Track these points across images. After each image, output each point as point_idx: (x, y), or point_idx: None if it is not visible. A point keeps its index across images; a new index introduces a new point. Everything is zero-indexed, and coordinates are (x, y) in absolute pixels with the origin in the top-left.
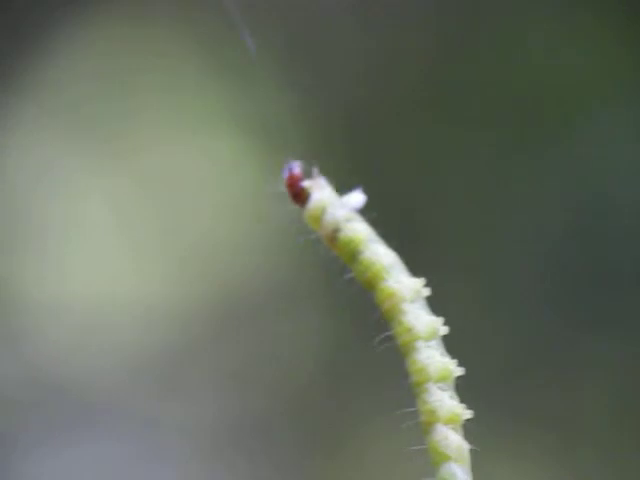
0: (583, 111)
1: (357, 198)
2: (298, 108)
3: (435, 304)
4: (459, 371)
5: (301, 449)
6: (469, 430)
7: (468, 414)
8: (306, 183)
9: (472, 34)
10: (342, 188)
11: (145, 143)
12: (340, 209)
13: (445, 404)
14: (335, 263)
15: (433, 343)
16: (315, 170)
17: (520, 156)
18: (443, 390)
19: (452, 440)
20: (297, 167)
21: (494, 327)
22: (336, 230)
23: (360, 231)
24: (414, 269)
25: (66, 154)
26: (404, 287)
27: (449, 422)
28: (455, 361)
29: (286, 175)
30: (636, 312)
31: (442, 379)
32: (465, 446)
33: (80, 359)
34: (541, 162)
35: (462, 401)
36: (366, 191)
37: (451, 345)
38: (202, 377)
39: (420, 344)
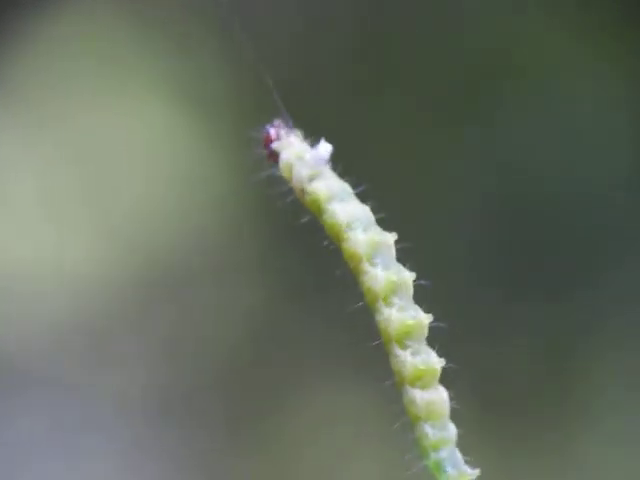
0: (503, 90)
1: (323, 149)
2: (233, 76)
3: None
4: (424, 320)
5: (229, 417)
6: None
7: (438, 364)
8: (275, 143)
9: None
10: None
11: (74, 110)
12: (304, 168)
13: (407, 364)
14: (267, 234)
15: (395, 299)
16: (286, 126)
17: (440, 135)
18: (407, 348)
19: (419, 399)
20: (272, 127)
21: (420, 301)
22: (302, 190)
23: (320, 190)
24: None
25: None
26: (360, 246)
27: (415, 380)
28: (420, 312)
29: (262, 136)
30: (558, 280)
31: (404, 336)
32: (437, 401)
33: (6, 327)
34: (461, 143)
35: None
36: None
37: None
38: (131, 345)
39: (379, 304)
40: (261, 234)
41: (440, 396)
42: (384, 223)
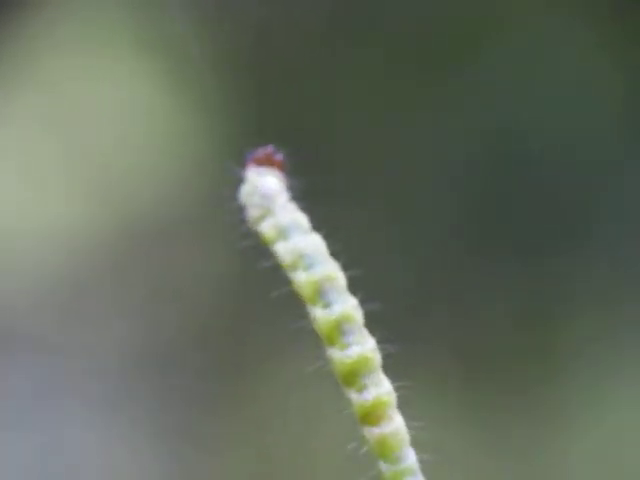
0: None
1: (271, 184)
2: (206, 33)
3: (339, 233)
4: (367, 354)
5: (206, 377)
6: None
7: (388, 395)
8: (248, 170)
9: None
10: (248, 111)
11: (46, 70)
12: (254, 208)
13: (353, 403)
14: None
15: (341, 338)
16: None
17: (424, 84)
18: (352, 386)
19: (369, 437)
20: (256, 155)
21: (399, 255)
22: (261, 217)
23: (265, 232)
24: (318, 199)
25: None
26: (302, 288)
27: (365, 418)
28: (367, 344)
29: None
30: (539, 242)
31: (348, 376)
32: (389, 436)
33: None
34: (444, 89)
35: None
36: (270, 118)
37: (355, 271)
38: (107, 304)
39: (327, 345)
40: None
41: (393, 428)
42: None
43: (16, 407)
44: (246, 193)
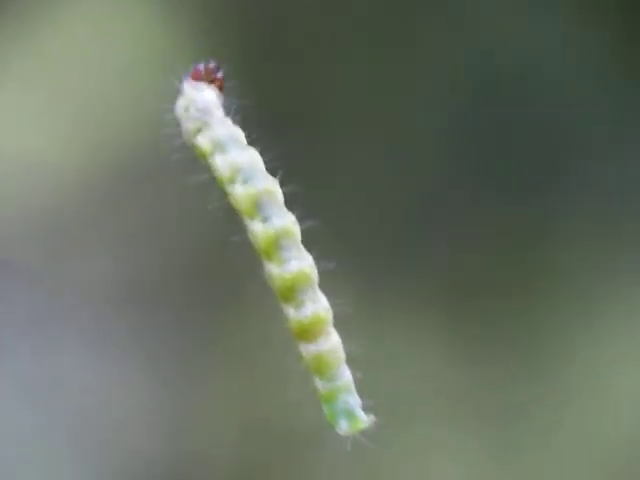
0: None
1: (208, 96)
2: None
3: (336, 171)
4: (305, 270)
5: (193, 307)
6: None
7: (325, 312)
8: (185, 84)
9: None
10: (235, 49)
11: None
12: (190, 121)
13: (290, 319)
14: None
15: (278, 252)
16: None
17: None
18: (290, 302)
19: (305, 353)
20: (199, 68)
21: (387, 188)
22: (191, 146)
23: (202, 144)
24: (318, 133)
25: None
26: (239, 201)
27: (301, 335)
28: (305, 260)
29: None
30: (527, 173)
31: (286, 291)
32: (325, 353)
33: None
34: (441, 30)
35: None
36: (265, 65)
37: (350, 205)
38: (100, 237)
39: (264, 259)
40: None
41: (330, 346)
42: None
43: (7, 336)
44: (182, 107)
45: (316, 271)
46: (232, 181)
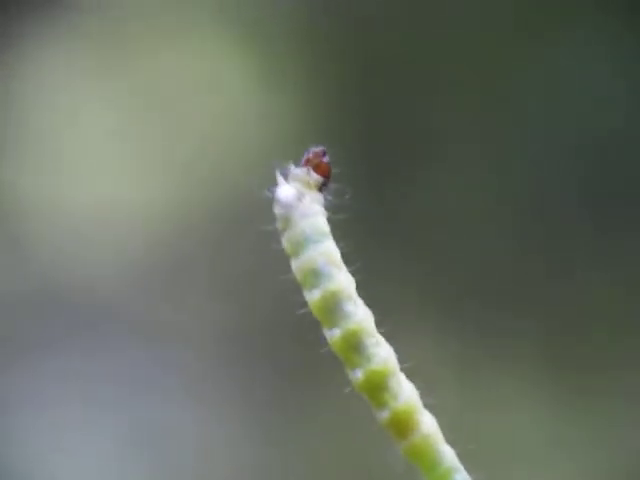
0: None
1: (283, 194)
2: (298, 14)
3: (443, 178)
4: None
5: (303, 357)
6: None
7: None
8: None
9: None
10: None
11: (146, 47)
12: (278, 219)
13: (377, 419)
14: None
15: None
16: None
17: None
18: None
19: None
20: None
21: (500, 206)
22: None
23: (285, 246)
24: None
25: (66, 59)
26: (314, 308)
27: (393, 433)
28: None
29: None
30: None
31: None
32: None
33: (79, 266)
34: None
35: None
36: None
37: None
38: (204, 284)
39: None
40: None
41: (421, 434)
42: None
43: (111, 381)
44: (275, 205)
45: (395, 360)
46: (304, 286)
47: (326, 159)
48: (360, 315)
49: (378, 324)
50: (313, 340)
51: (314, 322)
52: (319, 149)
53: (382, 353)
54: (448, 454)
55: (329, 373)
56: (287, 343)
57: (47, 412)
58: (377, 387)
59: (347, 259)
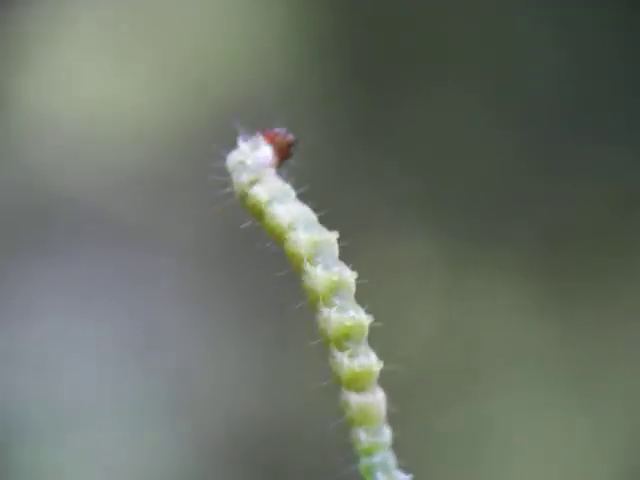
0: None
1: (264, 153)
2: None
3: (439, 114)
4: (364, 322)
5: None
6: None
7: (376, 366)
8: (241, 141)
9: None
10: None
11: None
12: (245, 173)
13: (343, 366)
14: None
15: (335, 300)
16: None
17: None
18: (345, 349)
19: (353, 403)
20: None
21: (498, 135)
22: (243, 195)
23: (260, 194)
24: (422, 79)
25: None
26: (301, 245)
27: (351, 383)
28: (361, 313)
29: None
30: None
31: (342, 337)
32: (373, 405)
33: (75, 166)
34: None
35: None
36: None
37: (456, 147)
38: (193, 193)
39: (319, 304)
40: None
41: (376, 400)
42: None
43: (104, 291)
44: (236, 159)
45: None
46: (293, 228)
47: (291, 150)
48: (349, 271)
49: (378, 226)
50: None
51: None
52: (289, 138)
53: (363, 312)
54: (389, 432)
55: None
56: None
57: (45, 317)
58: (358, 338)
59: (353, 168)
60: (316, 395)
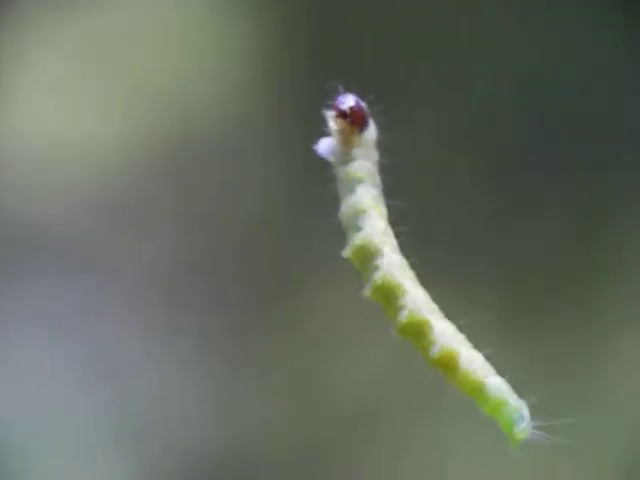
0: None
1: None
2: None
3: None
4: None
5: (254, 288)
6: None
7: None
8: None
9: None
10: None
11: None
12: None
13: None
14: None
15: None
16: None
17: None
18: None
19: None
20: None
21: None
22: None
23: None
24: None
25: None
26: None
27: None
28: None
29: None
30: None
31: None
32: None
33: (38, 191)
34: None
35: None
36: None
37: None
38: (158, 215)
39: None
40: (281, 105)
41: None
42: None
43: (56, 319)
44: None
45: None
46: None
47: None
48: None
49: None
50: (264, 271)
51: (264, 253)
52: (355, 103)
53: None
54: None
55: (300, 293)
56: (255, 270)
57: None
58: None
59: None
60: (277, 425)
